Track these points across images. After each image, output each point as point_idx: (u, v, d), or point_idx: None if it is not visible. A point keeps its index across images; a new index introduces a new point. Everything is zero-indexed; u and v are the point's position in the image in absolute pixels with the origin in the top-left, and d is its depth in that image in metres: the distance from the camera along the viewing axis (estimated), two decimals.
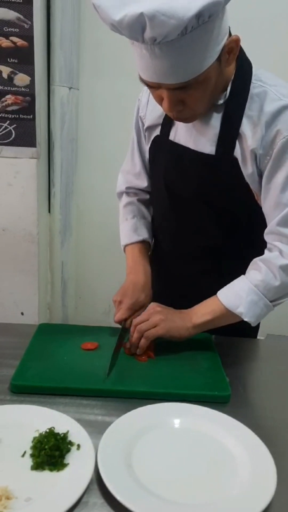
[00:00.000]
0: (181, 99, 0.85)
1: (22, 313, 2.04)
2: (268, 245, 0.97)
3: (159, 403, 0.82)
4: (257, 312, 0.95)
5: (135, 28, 0.72)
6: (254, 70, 0.94)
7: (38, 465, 0.65)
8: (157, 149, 1.09)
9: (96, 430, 0.73)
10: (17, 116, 1.78)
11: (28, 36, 1.68)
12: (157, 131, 1.08)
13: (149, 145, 1.11)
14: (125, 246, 1.20)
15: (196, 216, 1.06)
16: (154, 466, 0.68)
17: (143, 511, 0.58)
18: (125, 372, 0.92)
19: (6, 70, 1.72)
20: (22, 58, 1.71)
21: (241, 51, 0.93)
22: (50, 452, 0.66)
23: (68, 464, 0.66)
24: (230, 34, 0.84)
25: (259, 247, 0.99)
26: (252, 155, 0.93)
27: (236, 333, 1.09)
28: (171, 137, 1.04)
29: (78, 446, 0.69)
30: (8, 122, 1.78)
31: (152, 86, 0.85)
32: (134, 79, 0.91)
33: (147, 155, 1.15)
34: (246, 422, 0.77)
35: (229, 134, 0.94)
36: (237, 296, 0.95)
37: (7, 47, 1.69)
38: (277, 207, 0.93)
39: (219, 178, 0.98)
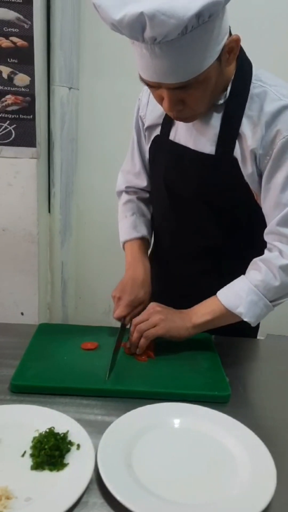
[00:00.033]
0: (181, 98, 0.85)
1: (22, 313, 2.04)
2: (268, 245, 0.97)
3: (159, 403, 0.82)
4: (257, 312, 0.95)
5: (135, 27, 0.72)
6: (254, 70, 0.94)
7: (38, 465, 0.65)
8: (157, 149, 1.09)
9: (96, 430, 0.73)
10: (17, 116, 1.78)
11: (28, 36, 1.69)
12: (157, 131, 1.08)
13: (149, 145, 1.11)
14: (124, 242, 1.20)
15: (196, 216, 1.06)
16: (154, 466, 0.68)
17: (143, 511, 0.58)
18: (125, 372, 0.92)
19: (6, 70, 1.72)
20: (22, 58, 1.71)
21: (241, 51, 0.93)
22: (50, 452, 0.66)
23: (68, 464, 0.66)
24: (230, 34, 0.84)
25: (259, 247, 0.99)
26: (252, 155, 0.93)
27: (236, 333, 1.09)
28: (171, 137, 1.04)
29: (78, 446, 0.69)
30: (8, 122, 1.78)
31: (152, 86, 0.85)
32: (134, 79, 0.91)
33: (147, 155, 1.15)
34: (246, 422, 0.77)
35: (229, 134, 0.94)
36: (237, 296, 0.95)
37: (7, 47, 1.69)
38: (277, 207, 0.93)
39: (219, 178, 0.98)
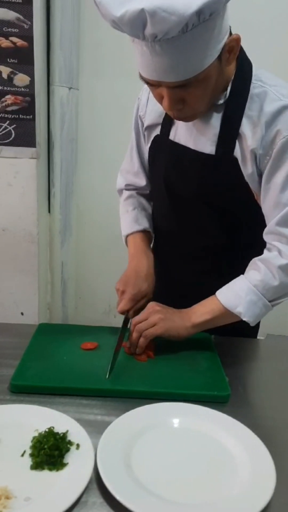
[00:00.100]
0: (181, 97, 0.85)
1: (22, 313, 2.04)
2: (267, 245, 0.97)
3: (158, 402, 0.81)
4: (256, 312, 0.95)
5: (136, 24, 0.72)
6: (254, 70, 0.94)
7: (37, 465, 0.65)
8: (157, 149, 1.09)
9: (96, 429, 0.73)
10: (17, 116, 1.78)
11: (28, 36, 1.69)
12: (157, 131, 1.08)
13: (148, 145, 1.11)
14: (127, 236, 1.20)
15: (196, 216, 1.06)
16: (154, 465, 0.68)
17: (143, 511, 0.58)
18: (125, 372, 0.92)
19: (6, 70, 1.72)
20: (22, 58, 1.71)
21: (241, 51, 0.93)
22: (50, 451, 0.66)
23: (67, 463, 0.66)
24: (230, 33, 0.84)
25: (259, 247, 0.99)
26: (252, 155, 0.93)
27: (236, 333, 1.09)
28: (171, 137, 1.04)
29: (78, 445, 0.69)
30: (8, 122, 1.78)
31: (153, 84, 0.85)
32: (134, 79, 0.91)
33: (145, 155, 1.15)
34: (246, 422, 0.77)
35: (229, 134, 0.94)
36: (236, 296, 0.95)
37: (7, 47, 1.69)
38: (276, 207, 0.93)
39: (219, 178, 0.98)
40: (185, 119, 0.93)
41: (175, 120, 1.02)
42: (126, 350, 0.99)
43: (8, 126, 1.79)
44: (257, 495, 0.62)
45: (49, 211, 2.06)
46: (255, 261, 0.97)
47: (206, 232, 1.07)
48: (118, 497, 0.60)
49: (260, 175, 0.95)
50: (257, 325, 1.16)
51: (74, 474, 0.64)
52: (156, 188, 1.15)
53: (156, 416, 0.78)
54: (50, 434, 0.69)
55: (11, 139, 1.80)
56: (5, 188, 1.87)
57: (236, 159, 0.94)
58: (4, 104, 1.76)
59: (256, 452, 0.71)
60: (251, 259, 0.99)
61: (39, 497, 0.60)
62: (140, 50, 0.78)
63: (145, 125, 1.11)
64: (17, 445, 0.69)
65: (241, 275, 0.98)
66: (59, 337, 1.04)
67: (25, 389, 0.84)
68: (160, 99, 0.88)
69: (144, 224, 1.19)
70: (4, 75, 1.73)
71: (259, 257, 0.97)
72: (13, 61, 1.71)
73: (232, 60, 0.87)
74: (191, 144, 1.00)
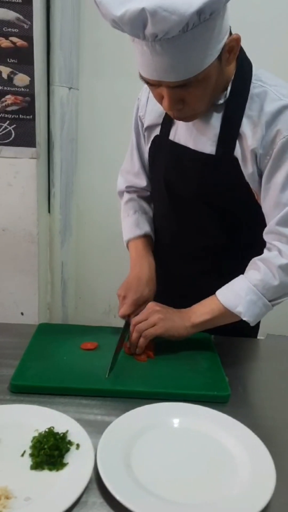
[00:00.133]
0: (181, 97, 0.85)
1: (22, 313, 2.04)
2: (267, 245, 0.97)
3: (158, 403, 0.81)
4: (256, 312, 0.95)
5: (137, 24, 0.72)
6: (254, 70, 0.94)
7: (37, 465, 0.65)
8: (157, 149, 1.09)
9: (96, 429, 0.73)
10: (17, 116, 1.78)
11: (27, 36, 1.69)
12: (156, 131, 1.08)
13: (148, 145, 1.11)
14: (128, 241, 1.20)
15: (196, 216, 1.06)
16: (154, 465, 0.68)
17: (142, 511, 0.58)
18: (125, 372, 0.92)
19: (6, 70, 1.72)
20: (22, 58, 1.71)
21: (241, 51, 0.93)
22: (50, 451, 0.66)
23: (67, 463, 0.66)
24: (230, 33, 0.84)
25: (259, 247, 0.99)
26: (253, 155, 0.93)
27: (236, 333, 1.09)
28: (171, 137, 1.04)
29: (78, 445, 0.69)
30: (8, 122, 1.78)
31: (153, 84, 0.85)
32: (133, 79, 0.91)
33: (146, 155, 1.15)
34: (246, 422, 0.77)
35: (229, 134, 0.94)
36: (236, 295, 0.95)
37: (6, 47, 1.69)
38: (276, 207, 0.93)
39: (219, 178, 0.98)
40: (185, 119, 0.93)
41: (175, 120, 1.02)
42: (126, 350, 0.99)
43: (8, 126, 1.79)
44: (257, 495, 0.62)
45: (49, 211, 2.06)
46: (255, 261, 0.97)
47: (206, 232, 1.07)
48: (118, 497, 0.60)
49: (260, 175, 0.95)
50: (257, 325, 1.16)
51: (74, 474, 0.64)
52: (156, 188, 1.15)
53: (156, 416, 0.78)
54: (50, 434, 0.69)
55: (11, 139, 1.80)
56: (5, 188, 1.87)
57: (236, 159, 0.94)
58: (4, 104, 1.76)
59: (256, 452, 0.71)
60: (251, 259, 0.99)
61: (39, 497, 0.60)
62: (140, 50, 0.78)
63: (145, 126, 1.11)
64: (17, 445, 0.69)
65: (241, 275, 0.98)
66: (59, 337, 1.04)
67: (25, 389, 0.84)
68: (160, 99, 0.88)
69: (145, 228, 1.19)
70: (4, 75, 1.73)
71: (259, 256, 0.97)
72: (13, 61, 1.71)
73: (232, 60, 0.87)
74: (191, 144, 1.00)
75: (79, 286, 2.32)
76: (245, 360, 1.07)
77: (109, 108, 2.01)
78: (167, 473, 0.67)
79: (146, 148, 1.14)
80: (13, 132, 1.79)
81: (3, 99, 1.75)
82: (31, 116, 1.78)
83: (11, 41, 1.69)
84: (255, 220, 1.00)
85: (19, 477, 0.64)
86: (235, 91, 0.92)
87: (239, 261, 1.01)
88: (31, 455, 0.67)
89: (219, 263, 1.10)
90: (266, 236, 0.97)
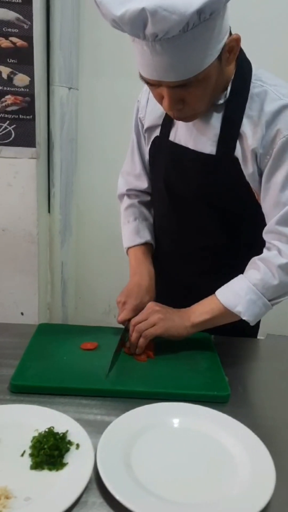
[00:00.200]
0: (181, 97, 0.85)
1: (22, 313, 2.04)
2: (267, 244, 0.97)
3: (158, 402, 0.81)
4: (256, 311, 0.95)
5: (137, 23, 0.72)
6: (254, 70, 0.94)
7: (37, 465, 0.65)
8: (157, 150, 1.09)
9: (95, 429, 0.73)
10: (17, 116, 1.78)
11: (27, 36, 1.69)
12: (156, 132, 1.08)
13: (149, 146, 1.11)
14: (128, 248, 1.20)
15: (196, 216, 1.06)
16: (153, 465, 0.68)
17: (142, 511, 0.58)
18: (125, 372, 0.92)
19: (5, 71, 1.72)
20: (22, 59, 1.71)
21: (241, 51, 0.93)
22: (49, 451, 0.66)
23: (67, 463, 0.66)
24: (230, 33, 0.84)
25: (259, 247, 0.99)
26: (253, 155, 0.93)
27: (236, 332, 1.09)
28: (171, 138, 1.04)
29: (77, 445, 0.69)
30: (7, 122, 1.78)
31: (153, 84, 0.85)
32: (133, 79, 0.91)
33: (147, 156, 1.15)
34: (246, 422, 0.77)
35: (230, 134, 0.94)
36: (236, 295, 0.95)
37: (6, 47, 1.69)
38: (276, 206, 0.93)
39: (220, 178, 0.98)
40: (185, 119, 0.93)
41: (175, 121, 1.02)
42: (126, 350, 0.99)
43: (8, 126, 1.79)
44: (257, 495, 0.62)
45: (49, 211, 2.06)
46: (255, 260, 0.97)
47: (206, 232, 1.07)
48: (118, 497, 0.60)
49: (260, 175, 0.95)
50: (257, 325, 1.16)
51: (74, 474, 0.64)
52: (156, 188, 1.15)
53: (156, 416, 0.78)
54: (50, 434, 0.69)
55: (11, 139, 1.80)
56: (5, 188, 1.87)
57: (237, 159, 0.94)
58: (4, 104, 1.76)
59: (256, 452, 0.71)
60: (251, 259, 0.99)
61: (39, 497, 0.60)
62: (140, 50, 0.78)
63: (145, 127, 1.11)
64: (17, 445, 0.69)
65: (241, 275, 0.98)
66: (59, 337, 1.04)
67: (25, 389, 0.84)
68: (160, 99, 0.88)
69: (146, 236, 1.19)
70: (4, 75, 1.73)
71: (259, 256, 0.97)
72: (13, 61, 1.71)
73: (232, 60, 0.87)
74: (191, 145, 1.00)
75: (79, 286, 2.32)
76: (245, 360, 1.07)
77: (109, 108, 2.01)
78: (167, 473, 0.66)
79: (147, 150, 1.14)
80: (13, 132, 1.79)
81: (3, 99, 1.75)
82: (31, 116, 1.78)
83: (11, 41, 1.69)
84: (255, 220, 1.00)
85: (19, 477, 0.64)
86: (235, 91, 0.92)
87: (239, 261, 1.01)
88: (31, 455, 0.67)
89: (219, 263, 1.10)
90: (265, 236, 0.97)
